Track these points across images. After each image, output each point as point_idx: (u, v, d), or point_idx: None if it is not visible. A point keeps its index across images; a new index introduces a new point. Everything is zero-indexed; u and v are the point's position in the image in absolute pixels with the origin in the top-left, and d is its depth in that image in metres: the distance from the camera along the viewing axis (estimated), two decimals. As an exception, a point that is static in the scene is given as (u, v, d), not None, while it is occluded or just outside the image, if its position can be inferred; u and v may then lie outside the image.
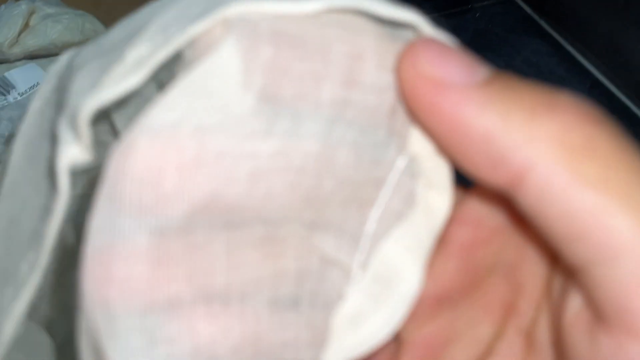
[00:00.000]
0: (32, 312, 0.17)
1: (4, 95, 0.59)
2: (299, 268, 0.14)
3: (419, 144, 0.15)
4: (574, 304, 0.14)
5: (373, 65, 0.14)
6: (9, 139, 0.57)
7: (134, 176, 0.11)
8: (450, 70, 0.13)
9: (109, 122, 0.16)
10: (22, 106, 0.58)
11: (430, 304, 0.17)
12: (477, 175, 0.13)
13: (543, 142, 0.12)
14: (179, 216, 0.12)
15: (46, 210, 0.13)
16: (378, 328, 0.14)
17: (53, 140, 0.13)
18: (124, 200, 0.11)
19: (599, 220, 0.12)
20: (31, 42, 0.63)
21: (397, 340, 0.17)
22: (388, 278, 0.14)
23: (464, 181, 0.16)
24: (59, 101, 0.13)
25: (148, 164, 0.11)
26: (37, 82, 0.60)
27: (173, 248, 0.12)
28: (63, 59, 0.15)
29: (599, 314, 0.13)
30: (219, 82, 0.12)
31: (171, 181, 0.12)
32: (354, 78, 0.13)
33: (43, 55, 0.64)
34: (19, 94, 0.59)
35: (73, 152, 0.12)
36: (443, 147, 0.14)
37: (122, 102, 0.14)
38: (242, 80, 0.12)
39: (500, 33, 0.73)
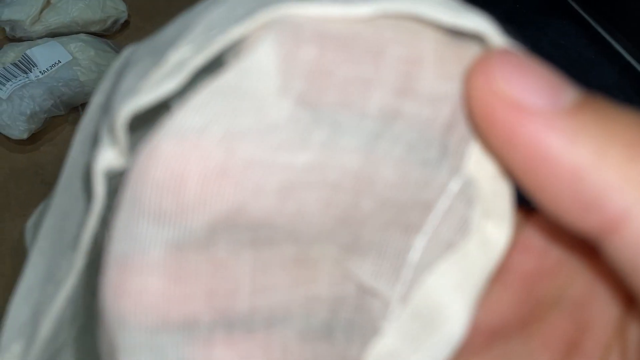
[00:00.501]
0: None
1: (26, 73, 0.59)
2: (333, 295, 0.13)
3: (477, 165, 0.13)
4: None
5: (431, 72, 0.12)
6: (32, 117, 0.57)
7: (154, 181, 0.11)
8: (532, 91, 0.11)
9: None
10: (43, 84, 0.58)
11: (482, 338, 0.15)
12: (560, 216, 0.12)
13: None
14: (200, 228, 0.11)
15: (85, 215, 0.13)
16: None
17: (95, 141, 0.13)
18: (143, 206, 0.11)
19: None
20: (53, 19, 0.63)
21: None
22: (430, 317, 0.13)
23: (526, 201, 0.14)
24: (109, 100, 0.13)
25: (170, 169, 0.11)
26: (59, 60, 0.60)
27: (192, 263, 0.11)
28: (124, 53, 0.14)
29: None
30: (254, 84, 0.11)
31: (193, 189, 0.11)
32: (410, 86, 0.12)
33: (64, 32, 0.64)
34: (40, 71, 0.59)
35: (109, 156, 0.12)
36: (521, 180, 0.12)
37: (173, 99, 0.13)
38: (280, 83, 0.11)
39: (527, 13, 0.72)
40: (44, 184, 0.56)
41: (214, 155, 0.11)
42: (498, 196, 0.13)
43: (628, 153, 0.11)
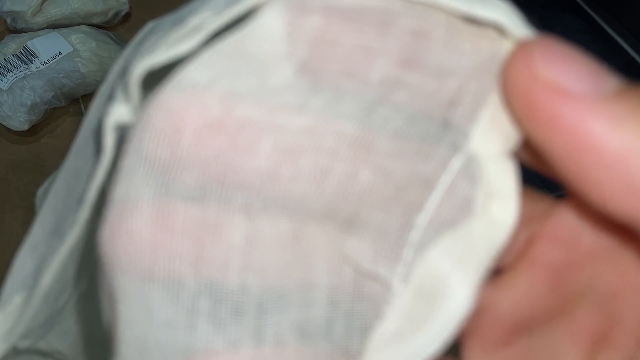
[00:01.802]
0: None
1: (27, 64, 0.59)
2: (331, 283, 0.12)
3: (482, 144, 0.13)
4: None
5: (440, 45, 0.12)
6: (32, 108, 0.57)
7: (154, 129, 0.11)
8: (574, 77, 0.11)
9: None
10: (44, 76, 0.58)
11: (507, 329, 0.15)
12: (603, 201, 0.12)
13: None
14: (191, 180, 0.11)
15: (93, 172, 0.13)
16: (416, 351, 0.12)
17: (109, 99, 0.13)
18: (142, 153, 0.11)
19: None
20: (54, 11, 0.63)
21: None
22: (432, 294, 0.12)
23: (551, 189, 0.14)
24: (127, 64, 0.13)
25: (170, 119, 0.11)
26: (60, 52, 0.60)
27: (180, 216, 0.11)
28: (148, 26, 0.14)
29: None
30: (259, 47, 0.11)
31: (188, 140, 0.11)
32: (415, 57, 0.12)
33: (65, 24, 0.63)
34: (41, 63, 0.59)
35: (121, 111, 0.12)
36: (561, 164, 0.12)
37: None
38: (284, 48, 0.11)
39: (532, 8, 0.71)
40: (44, 175, 0.56)
41: (212, 111, 0.11)
42: (503, 176, 0.13)
43: None
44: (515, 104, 0.12)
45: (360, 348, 0.12)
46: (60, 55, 0.60)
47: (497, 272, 0.16)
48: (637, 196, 0.11)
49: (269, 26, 0.11)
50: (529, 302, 0.15)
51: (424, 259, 0.12)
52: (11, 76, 0.57)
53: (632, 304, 0.14)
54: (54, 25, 0.63)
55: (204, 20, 0.11)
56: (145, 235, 0.11)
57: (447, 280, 0.12)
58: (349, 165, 0.12)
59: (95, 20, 0.65)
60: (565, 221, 0.14)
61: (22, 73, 0.58)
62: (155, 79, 0.12)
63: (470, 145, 0.13)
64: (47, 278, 0.14)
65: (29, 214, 0.54)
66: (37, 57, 0.59)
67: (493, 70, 0.12)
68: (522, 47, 0.12)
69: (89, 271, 0.17)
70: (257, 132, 0.11)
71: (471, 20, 0.12)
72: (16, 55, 0.59)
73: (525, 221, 0.15)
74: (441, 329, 0.12)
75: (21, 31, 0.63)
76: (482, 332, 0.15)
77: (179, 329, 0.11)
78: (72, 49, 0.60)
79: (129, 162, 0.11)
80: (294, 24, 0.11)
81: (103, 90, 0.15)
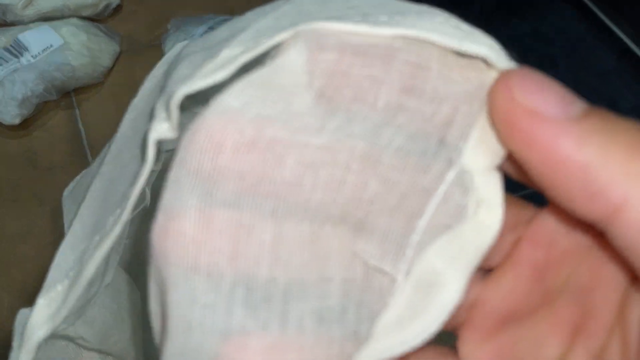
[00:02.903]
0: (120, 261, 0.21)
1: (17, 57, 0.58)
2: (344, 277, 0.14)
3: (472, 159, 0.15)
4: None
5: (435, 75, 0.14)
6: (23, 102, 0.56)
7: (198, 146, 0.13)
8: (547, 102, 0.13)
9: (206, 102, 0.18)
10: (35, 69, 0.57)
11: (495, 321, 0.17)
12: (571, 206, 0.14)
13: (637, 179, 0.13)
14: (229, 190, 0.13)
15: (135, 176, 0.16)
16: (414, 335, 0.14)
17: (151, 117, 0.16)
18: (188, 165, 0.13)
19: None
20: (44, 3, 0.63)
21: (457, 357, 0.18)
22: (429, 286, 0.14)
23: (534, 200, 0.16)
24: (163, 84, 0.16)
25: (211, 137, 0.13)
26: (50, 45, 0.59)
27: (220, 219, 0.13)
28: (176, 47, 0.17)
29: None
30: (284, 79, 0.14)
31: (227, 155, 0.13)
32: (414, 85, 0.14)
33: (56, 17, 0.63)
34: (32, 56, 0.58)
35: (163, 128, 0.15)
36: (536, 175, 0.14)
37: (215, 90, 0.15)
38: (305, 80, 0.14)
39: (527, -2, 0.71)
40: (36, 170, 0.56)
41: (246, 131, 0.13)
42: (491, 186, 0.15)
43: (627, 152, 0.13)
44: (498, 124, 0.14)
45: (368, 333, 0.14)
46: (51, 49, 0.59)
47: (489, 271, 0.18)
48: (597, 201, 0.13)
49: (292, 62, 0.14)
50: (515, 296, 0.17)
51: (423, 257, 0.15)
52: (1, 70, 0.57)
53: (604, 297, 0.16)
54: (45, 18, 0.63)
55: (234, 53, 0.14)
56: (190, 235, 0.13)
57: (441, 276, 0.14)
58: (360, 177, 0.14)
59: (86, 13, 0.65)
60: (545, 225, 0.17)
61: (12, 66, 0.57)
62: (187, 99, 0.15)
63: (462, 160, 0.15)
64: (91, 269, 0.17)
65: (20, 209, 0.54)
66: (27, 50, 0.59)
67: (481, 97, 0.14)
68: (503, 76, 0.14)
69: (113, 267, 0.20)
70: (283, 149, 0.13)
71: (461, 54, 0.14)
72: (6, 49, 0.58)
73: (512, 226, 0.17)
74: (436, 317, 0.14)
75: (11, 24, 0.62)
76: (475, 324, 0.17)
77: (218, 313, 0.13)
78: (63, 42, 0.60)
79: (175, 174, 0.13)
80: (312, 59, 0.14)
81: (135, 104, 0.18)
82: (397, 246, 0.15)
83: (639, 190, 0.13)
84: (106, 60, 0.61)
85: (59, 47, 0.59)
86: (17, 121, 0.56)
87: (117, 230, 0.16)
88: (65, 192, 0.22)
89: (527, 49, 0.66)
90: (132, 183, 0.16)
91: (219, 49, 0.14)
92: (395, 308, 0.15)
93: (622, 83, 0.63)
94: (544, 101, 0.13)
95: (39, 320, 0.18)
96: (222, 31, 0.15)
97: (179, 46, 0.17)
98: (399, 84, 0.14)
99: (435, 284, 0.14)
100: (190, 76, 0.14)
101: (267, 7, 0.15)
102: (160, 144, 0.15)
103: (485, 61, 0.14)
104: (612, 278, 0.16)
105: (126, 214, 0.16)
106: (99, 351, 0.22)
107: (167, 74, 0.16)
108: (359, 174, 0.14)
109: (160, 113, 0.15)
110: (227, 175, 0.13)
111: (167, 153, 0.18)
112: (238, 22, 0.15)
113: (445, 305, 0.14)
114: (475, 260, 0.15)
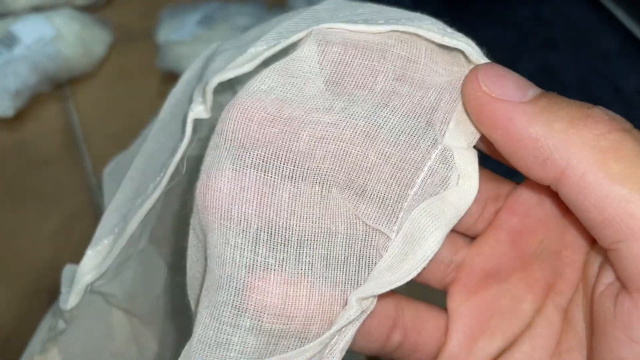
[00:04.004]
0: (151, 236, 0.24)
1: (9, 49, 0.57)
2: (348, 232, 0.17)
3: (454, 139, 0.18)
4: (606, 280, 0.17)
5: (423, 67, 0.18)
6: (16, 94, 0.56)
7: (233, 119, 0.17)
8: (506, 89, 0.16)
9: (232, 91, 0.22)
10: (28, 60, 0.56)
11: (478, 280, 0.20)
12: (527, 172, 0.17)
13: (579, 146, 0.15)
14: (256, 155, 0.17)
15: (173, 150, 0.20)
16: (400, 276, 0.17)
17: (190, 101, 0.19)
18: (224, 134, 0.17)
19: (623, 208, 0.15)
20: (36, -7, 0.62)
21: (445, 312, 0.21)
22: (415, 239, 0.17)
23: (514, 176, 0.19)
24: (201, 75, 0.20)
25: (242, 113, 0.17)
26: (43, 36, 0.58)
27: (251, 179, 0.17)
28: (213, 46, 0.22)
29: (625, 283, 0.16)
30: (300, 68, 0.17)
31: (254, 128, 0.17)
32: (405, 74, 0.18)
33: (49, 7, 0.62)
34: (24, 47, 0.58)
35: (199, 109, 0.19)
36: (500, 149, 0.17)
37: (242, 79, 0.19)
38: (316, 68, 0.17)
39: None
40: (30, 162, 0.55)
41: (269, 109, 0.17)
42: (468, 161, 0.18)
43: (568, 125, 0.15)
44: (469, 110, 0.17)
45: (365, 278, 0.18)
46: (44, 39, 0.58)
47: (474, 239, 0.21)
48: (548, 167, 0.16)
49: (307, 53, 0.17)
50: (495, 258, 0.20)
51: (410, 216, 0.17)
52: (-6, 61, 0.56)
53: (570, 259, 0.19)
54: (37, 8, 0.62)
55: (259, 50, 0.18)
56: (225, 190, 0.17)
57: (425, 231, 0.17)
58: (361, 149, 0.17)
59: (79, 3, 0.64)
60: (521, 197, 0.20)
61: (5, 58, 0.57)
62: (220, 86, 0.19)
63: (445, 140, 0.18)
64: (134, 224, 0.21)
65: (15, 202, 0.53)
66: (20, 41, 0.58)
67: (460, 87, 0.18)
68: (473, 70, 0.17)
69: (147, 234, 0.24)
70: (299, 125, 0.17)
71: (446, 52, 0.18)
72: (-2, 40, 0.58)
73: (494, 198, 0.20)
74: (419, 261, 0.17)
75: (3, 15, 0.61)
76: (461, 283, 0.20)
77: (246, 251, 0.17)
78: (55, 33, 0.59)
79: (214, 141, 0.17)
80: (322, 52, 0.17)
81: (175, 93, 0.22)
82: (391, 210, 0.18)
83: (576, 155, 0.15)
84: (100, 50, 0.61)
85: (51, 37, 0.58)
86: (10, 113, 0.56)
87: (156, 194, 0.20)
88: (107, 170, 0.26)
89: (528, 33, 0.65)
90: (171, 155, 0.20)
91: (247, 47, 0.18)
92: (387, 258, 0.17)
93: (625, 65, 0.62)
94: (503, 88, 0.16)
95: (87, 268, 0.22)
96: (251, 33, 0.20)
97: (214, 45, 0.22)
98: (393, 73, 0.17)
99: (419, 238, 0.17)
100: (223, 68, 0.18)
101: (289, 14, 0.19)
102: (197, 126, 0.19)
103: (465, 57, 0.18)
104: (576, 242, 0.19)
105: (165, 180, 0.20)
106: (127, 311, 0.26)
107: (204, 67, 0.20)
108: (360, 147, 0.17)
109: (197, 97, 0.19)
110: (255, 143, 0.17)
111: (198, 141, 0.21)
112: (265, 26, 0.20)
113: (427, 252, 0.17)
114: (454, 219, 0.17)
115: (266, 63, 0.18)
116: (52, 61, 0.57)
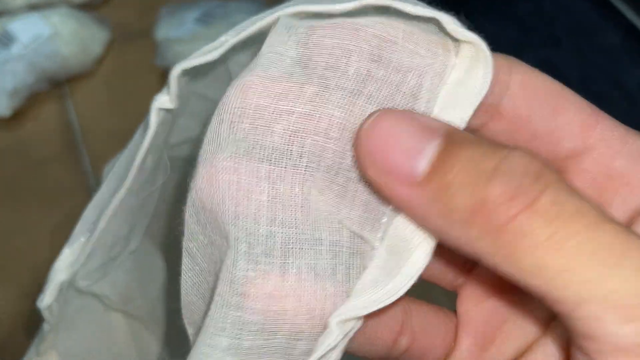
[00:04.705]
0: (152, 234, 0.24)
1: (6, 48, 0.57)
2: (331, 241, 0.16)
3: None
4: None
5: (400, 48, 0.16)
6: (14, 93, 0.55)
7: (230, 106, 0.16)
8: (394, 165, 0.14)
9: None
10: (25, 59, 0.56)
11: (493, 279, 0.18)
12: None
13: (482, 242, 0.13)
14: (228, 158, 0.15)
15: (137, 145, 0.19)
16: (386, 294, 0.16)
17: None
18: (224, 113, 0.16)
19: (544, 296, 0.13)
20: (33, -8, 0.61)
21: (455, 315, 0.19)
22: (400, 252, 0.16)
23: None
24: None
25: (224, 106, 0.16)
26: (40, 34, 0.58)
27: (222, 179, 0.15)
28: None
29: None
30: (274, 47, 0.16)
31: (225, 125, 0.16)
32: (381, 55, 0.16)
33: (46, 5, 0.61)
34: (21, 46, 0.57)
35: (163, 99, 0.18)
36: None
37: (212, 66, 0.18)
38: (285, 47, 0.16)
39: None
40: (29, 162, 0.55)
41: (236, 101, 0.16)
42: None
43: (467, 219, 0.13)
44: (367, 180, 0.15)
45: (351, 290, 0.16)
46: (41, 38, 0.58)
47: None
48: (468, 248, 0.14)
49: (278, 38, 0.16)
50: None
51: (394, 224, 0.16)
52: (-9, 61, 0.56)
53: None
54: (34, 7, 0.61)
55: (227, 38, 0.17)
56: (202, 187, 0.16)
57: (410, 243, 0.16)
58: (338, 145, 0.15)
59: (77, 1, 0.63)
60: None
61: (1, 57, 0.56)
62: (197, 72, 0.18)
63: None
64: (102, 223, 0.20)
65: (13, 202, 0.53)
66: (17, 40, 0.57)
67: (444, 75, 0.16)
68: (358, 134, 0.15)
69: (138, 235, 0.23)
70: (271, 116, 0.15)
71: (432, 33, 0.16)
72: (-5, 39, 0.57)
73: None
74: (406, 278, 0.15)
75: None
76: (474, 285, 0.19)
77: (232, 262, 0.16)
78: (53, 31, 0.58)
79: (214, 122, 0.16)
80: (290, 33, 0.16)
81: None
82: (374, 214, 0.16)
83: (482, 251, 0.14)
84: (98, 48, 0.60)
85: (49, 36, 0.58)
86: (7, 113, 0.55)
87: (122, 192, 0.20)
88: (107, 168, 0.25)
89: (530, 29, 0.65)
90: (136, 149, 0.19)
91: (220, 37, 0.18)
92: (371, 271, 0.16)
93: (628, 60, 0.62)
94: (391, 166, 0.14)
95: (61, 266, 0.21)
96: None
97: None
98: (368, 54, 0.16)
99: (404, 250, 0.16)
100: (189, 57, 0.18)
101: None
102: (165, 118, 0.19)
103: (453, 42, 0.16)
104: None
105: (130, 177, 0.19)
106: (125, 313, 0.25)
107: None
108: (337, 142, 0.15)
109: (163, 88, 0.18)
110: (230, 142, 0.16)
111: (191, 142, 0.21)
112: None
113: (414, 268, 0.15)
114: None
115: (242, 49, 0.17)
116: (49, 60, 0.57)
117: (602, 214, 0.13)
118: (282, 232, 0.15)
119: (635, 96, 0.57)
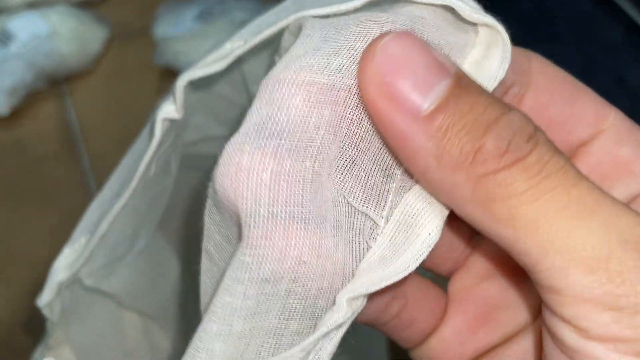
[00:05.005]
0: (165, 227, 0.24)
1: (5, 46, 0.57)
2: (334, 217, 0.15)
3: None
4: None
5: (430, 23, 0.15)
6: (13, 92, 0.55)
7: (263, 100, 0.15)
8: (402, 87, 0.14)
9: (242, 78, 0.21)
10: (23, 58, 0.56)
11: (491, 263, 0.18)
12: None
13: (463, 188, 0.14)
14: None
15: (141, 152, 0.19)
16: (396, 271, 0.15)
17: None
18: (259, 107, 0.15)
19: (512, 248, 0.14)
20: (32, -10, 0.61)
21: (445, 294, 0.19)
22: (409, 227, 0.15)
23: None
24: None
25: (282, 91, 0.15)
26: (39, 33, 0.58)
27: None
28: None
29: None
30: (300, 46, 0.16)
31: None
32: (414, 28, 0.15)
33: (44, 3, 0.61)
34: (20, 45, 0.57)
35: (170, 109, 0.18)
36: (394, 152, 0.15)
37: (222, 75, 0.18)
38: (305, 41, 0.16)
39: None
40: (28, 161, 0.55)
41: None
42: None
43: (454, 164, 0.13)
44: (362, 99, 0.15)
45: (353, 267, 0.15)
46: (40, 37, 0.58)
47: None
48: (444, 193, 0.14)
49: (302, 41, 0.15)
50: None
51: (403, 200, 0.16)
52: (-11, 59, 0.56)
53: None
54: (33, 5, 0.61)
55: (234, 46, 0.17)
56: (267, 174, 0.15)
57: (419, 217, 0.15)
58: (356, 113, 0.15)
59: (75, -1, 0.63)
60: None
61: (0, 56, 0.56)
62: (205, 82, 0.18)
63: None
64: (103, 226, 0.20)
65: (13, 202, 0.53)
66: (15, 39, 0.57)
67: (465, 54, 0.16)
68: (368, 50, 0.14)
69: (146, 235, 0.23)
70: (291, 89, 0.15)
71: (453, 21, 0.16)
72: (-6, 38, 0.57)
73: None
74: (415, 255, 0.15)
75: (-2, 12, 0.61)
76: (469, 269, 0.19)
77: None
78: (52, 29, 0.58)
79: (256, 107, 0.15)
80: (307, 35, 0.16)
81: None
82: (379, 192, 0.16)
83: (460, 197, 0.14)
84: (96, 46, 0.60)
85: (47, 34, 0.58)
86: (6, 112, 0.55)
87: (126, 195, 0.20)
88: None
89: (531, 26, 0.64)
90: (140, 157, 0.19)
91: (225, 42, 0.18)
92: (377, 248, 0.15)
93: (630, 58, 0.61)
94: (399, 84, 0.14)
95: (61, 265, 0.21)
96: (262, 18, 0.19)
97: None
98: (401, 26, 0.15)
99: (414, 225, 0.15)
100: (195, 67, 0.17)
101: (279, 6, 0.18)
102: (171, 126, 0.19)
103: (470, 24, 0.16)
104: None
105: (134, 182, 0.20)
106: (139, 312, 0.25)
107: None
108: (355, 110, 0.15)
109: (169, 97, 0.18)
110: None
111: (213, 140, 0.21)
112: (259, 20, 0.18)
113: (424, 244, 0.15)
114: None
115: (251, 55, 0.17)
116: (48, 58, 0.57)
117: (581, 174, 0.13)
118: (285, 211, 0.15)
119: (637, 93, 0.57)
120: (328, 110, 0.15)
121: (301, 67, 0.15)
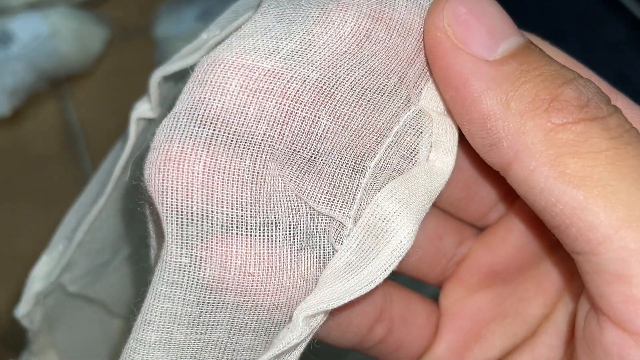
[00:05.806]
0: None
1: (6, 47, 0.57)
2: (290, 222, 0.14)
3: (429, 101, 0.15)
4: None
5: (403, 9, 0.14)
6: (13, 93, 0.55)
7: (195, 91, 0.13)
8: (472, 38, 0.13)
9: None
10: (24, 59, 0.56)
11: (482, 273, 0.17)
12: (476, 149, 0.14)
13: (532, 136, 0.12)
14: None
15: (116, 156, 0.18)
16: (363, 282, 0.13)
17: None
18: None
19: (578, 216, 0.12)
20: (33, -9, 0.61)
21: (437, 307, 0.18)
22: (380, 231, 0.14)
23: None
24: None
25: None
26: (40, 33, 0.58)
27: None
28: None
29: (591, 300, 0.13)
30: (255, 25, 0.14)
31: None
32: (382, 12, 0.14)
33: (44, 4, 0.61)
34: (21, 46, 0.57)
35: (143, 108, 0.17)
36: (452, 112, 0.14)
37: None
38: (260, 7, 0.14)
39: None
40: (28, 161, 0.55)
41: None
42: (446, 130, 0.14)
43: (526, 108, 0.12)
44: (425, 45, 0.14)
45: (316, 274, 0.14)
46: (41, 37, 0.58)
47: (482, 230, 0.18)
48: (493, 151, 0.13)
49: (259, 18, 0.14)
50: (505, 251, 0.17)
51: (373, 201, 0.14)
52: (-10, 60, 0.56)
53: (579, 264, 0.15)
54: (33, 6, 0.61)
55: (211, 34, 0.16)
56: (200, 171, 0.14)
57: (391, 221, 0.14)
58: (311, 111, 0.13)
59: None
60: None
61: (1, 57, 0.56)
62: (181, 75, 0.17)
63: (421, 100, 0.14)
64: (80, 233, 0.20)
65: (13, 202, 0.53)
66: (16, 39, 0.57)
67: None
68: (436, 1, 0.13)
69: (133, 241, 0.22)
70: (227, 71, 0.13)
71: None
72: (-6, 39, 0.57)
73: (506, 192, 0.17)
74: (385, 263, 0.13)
75: (-1, 13, 0.61)
76: (460, 279, 0.18)
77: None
78: (52, 30, 0.58)
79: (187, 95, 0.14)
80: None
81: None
82: (345, 190, 0.14)
83: (527, 147, 0.12)
84: (97, 47, 0.60)
85: (48, 35, 0.58)
86: (7, 112, 0.55)
87: (102, 201, 0.19)
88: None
89: (534, 23, 0.64)
90: (115, 160, 0.18)
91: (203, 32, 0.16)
92: (344, 253, 0.14)
93: (633, 54, 0.61)
94: (469, 35, 0.13)
95: (38, 274, 0.21)
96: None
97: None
98: (368, 9, 0.13)
99: (384, 230, 0.14)
100: (170, 61, 0.16)
101: None
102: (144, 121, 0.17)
103: None
104: None
105: (109, 187, 0.19)
106: (126, 318, 0.25)
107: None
108: (310, 107, 0.13)
109: (144, 96, 0.17)
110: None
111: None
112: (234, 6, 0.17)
113: (394, 252, 0.13)
114: (426, 205, 0.14)
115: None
116: (48, 59, 0.57)
117: None
118: (222, 213, 0.13)
119: (640, 90, 0.57)
120: (272, 102, 0.13)
121: (245, 48, 0.13)
